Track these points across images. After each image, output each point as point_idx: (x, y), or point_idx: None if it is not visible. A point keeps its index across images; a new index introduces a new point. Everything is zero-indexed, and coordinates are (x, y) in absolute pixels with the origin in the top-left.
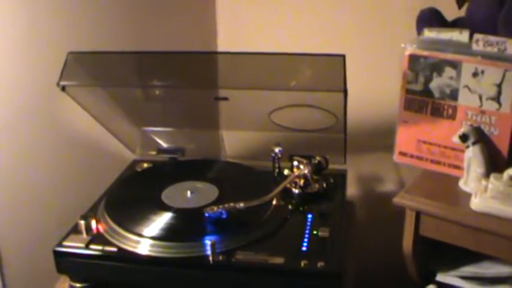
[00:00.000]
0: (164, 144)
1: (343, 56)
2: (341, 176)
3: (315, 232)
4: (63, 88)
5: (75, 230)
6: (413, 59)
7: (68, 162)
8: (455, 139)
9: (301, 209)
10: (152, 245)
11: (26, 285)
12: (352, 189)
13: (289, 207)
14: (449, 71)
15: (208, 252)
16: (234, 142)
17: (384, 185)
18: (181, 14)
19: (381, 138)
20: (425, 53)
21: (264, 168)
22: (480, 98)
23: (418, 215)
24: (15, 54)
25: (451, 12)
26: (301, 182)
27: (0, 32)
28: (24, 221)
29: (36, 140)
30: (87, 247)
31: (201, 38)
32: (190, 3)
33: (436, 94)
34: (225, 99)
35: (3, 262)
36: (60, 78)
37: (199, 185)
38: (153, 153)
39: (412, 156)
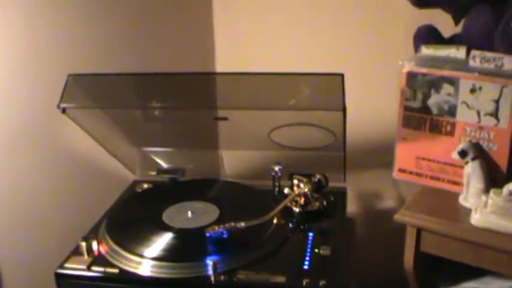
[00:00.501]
0: (164, 165)
1: (342, 75)
2: (341, 194)
3: (316, 250)
4: (64, 110)
5: (76, 251)
6: (411, 76)
7: (68, 183)
8: (455, 155)
9: (301, 227)
10: (154, 266)
11: None
12: (352, 206)
13: (290, 225)
14: (447, 88)
15: (210, 272)
16: (233, 161)
17: (383, 202)
18: (179, 36)
19: (379, 156)
20: (423, 70)
21: (264, 187)
22: (478, 113)
23: (418, 231)
24: (15, 76)
25: (448, 29)
26: (302, 200)
27: (0, 53)
28: (24, 241)
29: (36, 161)
30: (88, 269)
31: (199, 60)
32: (188, 26)
33: (434, 111)
34: (225, 119)
35: (4, 283)
36: (61, 101)
37: (199, 205)
38: (153, 173)
39: (411, 172)
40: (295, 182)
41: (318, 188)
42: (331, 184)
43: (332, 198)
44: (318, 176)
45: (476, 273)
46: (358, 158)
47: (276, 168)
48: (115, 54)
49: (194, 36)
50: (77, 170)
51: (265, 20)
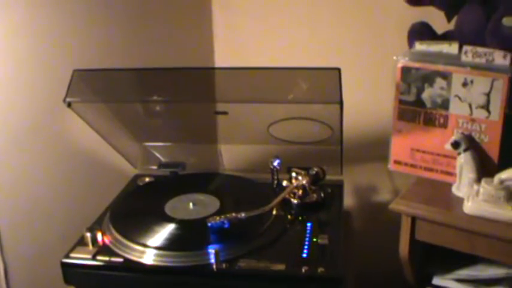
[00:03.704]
0: (165, 159)
1: (339, 69)
2: (338, 186)
3: (314, 239)
4: (69, 104)
5: (81, 242)
6: (405, 70)
7: (71, 178)
8: (448, 146)
9: (300, 218)
10: (157, 255)
11: None
12: (348, 199)
13: (289, 217)
14: (440, 82)
15: (212, 260)
16: (232, 156)
17: (379, 195)
18: (179, 33)
19: (375, 149)
20: (416, 64)
21: (263, 180)
22: (470, 106)
23: (413, 220)
24: (19, 72)
25: (441, 25)
26: (300, 192)
27: (7, 50)
28: (27, 235)
29: (39, 156)
30: (94, 258)
31: (198, 56)
32: (188, 23)
33: (428, 104)
34: (225, 113)
35: (10, 275)
36: (66, 95)
37: (201, 197)
38: (154, 167)
39: (406, 164)
40: (294, 174)
41: (316, 180)
42: (328, 177)
43: (329, 190)
44: (315, 169)
45: (470, 261)
46: (355, 151)
47: (275, 161)
48: (117, 51)
49: (193, 33)
50: (79, 165)
51: (262, 16)
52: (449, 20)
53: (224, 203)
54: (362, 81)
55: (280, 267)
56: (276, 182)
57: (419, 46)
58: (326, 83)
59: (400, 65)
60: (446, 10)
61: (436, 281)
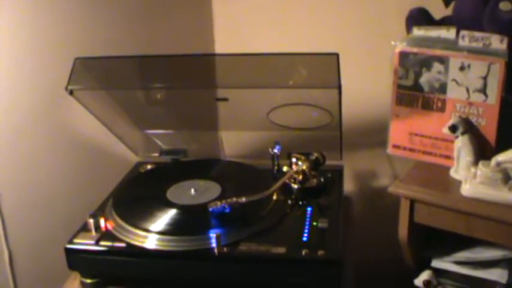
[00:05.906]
0: (166, 146)
1: (337, 55)
2: (338, 171)
3: (314, 223)
4: (71, 92)
5: (85, 228)
6: (403, 55)
7: (73, 166)
8: (445, 130)
9: (300, 203)
10: (159, 240)
11: (36, 284)
12: (348, 184)
13: (289, 201)
14: (437, 66)
15: (214, 244)
16: (233, 142)
17: (378, 179)
18: (180, 21)
19: (375, 134)
20: (414, 49)
21: (263, 166)
22: (467, 90)
23: (412, 203)
24: (22, 61)
25: (439, 11)
26: (300, 177)
27: (9, 39)
28: (32, 222)
29: (43, 144)
30: (97, 243)
31: (199, 43)
32: (188, 10)
33: (426, 88)
34: (225, 100)
35: (14, 262)
36: (69, 83)
37: (202, 183)
38: (156, 155)
39: (405, 148)
40: (294, 160)
41: (316, 165)
42: (328, 162)
43: (329, 175)
44: (315, 154)
45: (469, 243)
46: (354, 136)
47: (275, 147)
48: (119, 38)
49: (194, 20)
50: (82, 153)
51: (262, 2)
52: (446, 5)
53: (225, 189)
54: (360, 67)
55: (281, 250)
56: (276, 167)
57: (417, 31)
58: (325, 69)
59: (398, 50)
60: None
61: (435, 263)
